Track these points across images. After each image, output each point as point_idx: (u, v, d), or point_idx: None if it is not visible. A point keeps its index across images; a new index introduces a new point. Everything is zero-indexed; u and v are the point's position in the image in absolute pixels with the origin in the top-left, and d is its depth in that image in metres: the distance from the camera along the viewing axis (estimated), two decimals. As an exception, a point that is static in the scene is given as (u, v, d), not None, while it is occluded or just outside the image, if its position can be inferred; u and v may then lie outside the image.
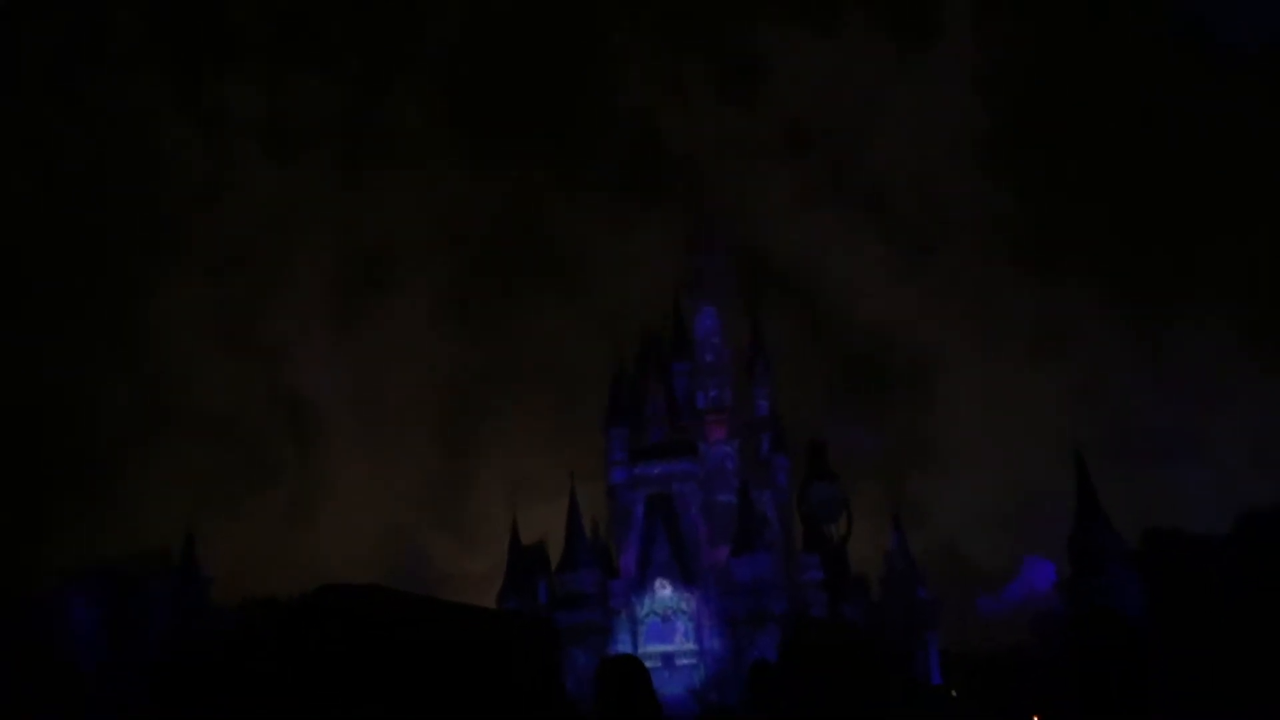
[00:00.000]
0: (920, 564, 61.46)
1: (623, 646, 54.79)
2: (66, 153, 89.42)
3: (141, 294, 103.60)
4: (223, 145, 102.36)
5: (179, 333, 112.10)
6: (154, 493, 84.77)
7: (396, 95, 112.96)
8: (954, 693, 54.16)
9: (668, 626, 58.16)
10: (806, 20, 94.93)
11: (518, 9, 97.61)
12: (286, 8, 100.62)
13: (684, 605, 58.32)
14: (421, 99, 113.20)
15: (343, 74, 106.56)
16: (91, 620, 50.82)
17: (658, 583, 58.77)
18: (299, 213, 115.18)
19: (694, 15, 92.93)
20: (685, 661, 56.67)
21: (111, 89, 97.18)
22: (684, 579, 58.94)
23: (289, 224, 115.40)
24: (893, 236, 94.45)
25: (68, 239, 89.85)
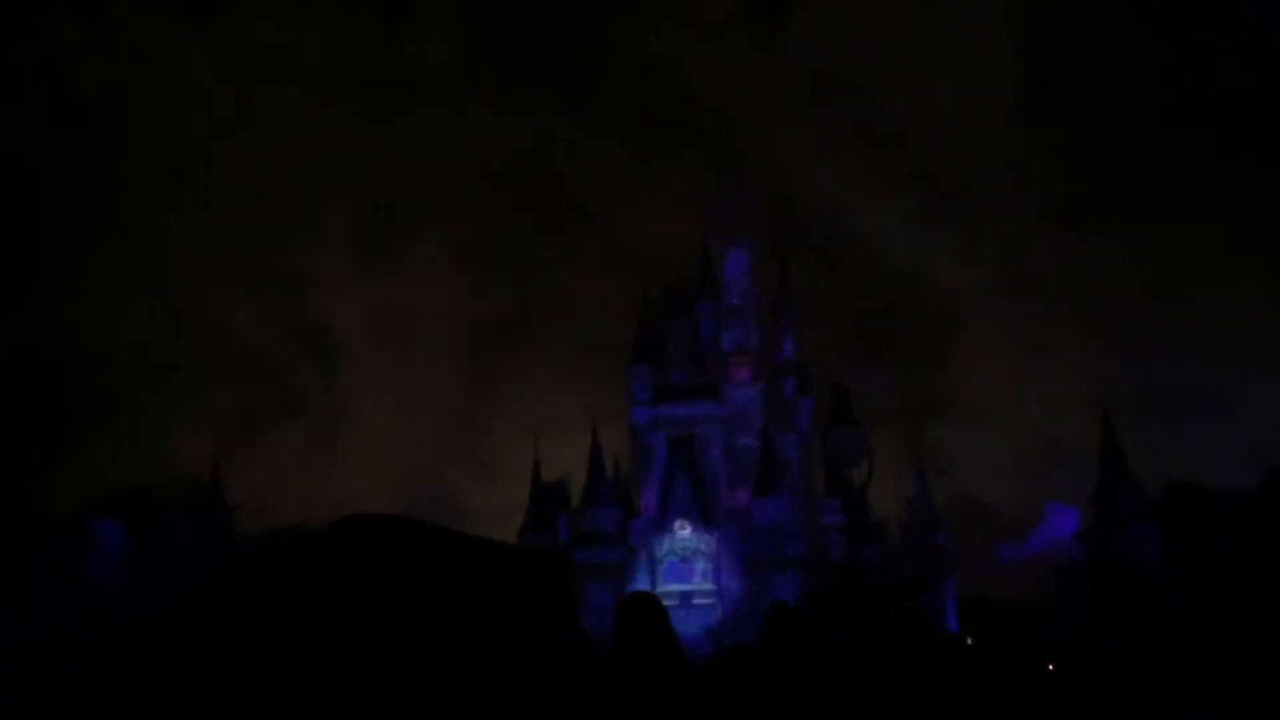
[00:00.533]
0: (941, 512, 61.52)
1: (641, 585, 55.27)
2: (88, 83, 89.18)
3: (165, 225, 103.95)
4: (246, 78, 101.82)
5: (203, 264, 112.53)
6: (179, 423, 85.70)
7: (421, 31, 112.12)
8: (970, 639, 54.42)
9: (686, 566, 58.58)
10: None
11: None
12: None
13: (703, 546, 58.68)
14: (446, 36, 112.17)
15: (367, 8, 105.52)
16: (117, 544, 51.52)
17: (677, 523, 59.11)
18: (322, 146, 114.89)
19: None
20: (703, 601, 57.14)
21: (134, 18, 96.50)
22: (704, 520, 59.25)
23: (312, 157, 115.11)
24: (920, 183, 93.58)
25: (90, 169, 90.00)
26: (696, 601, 56.96)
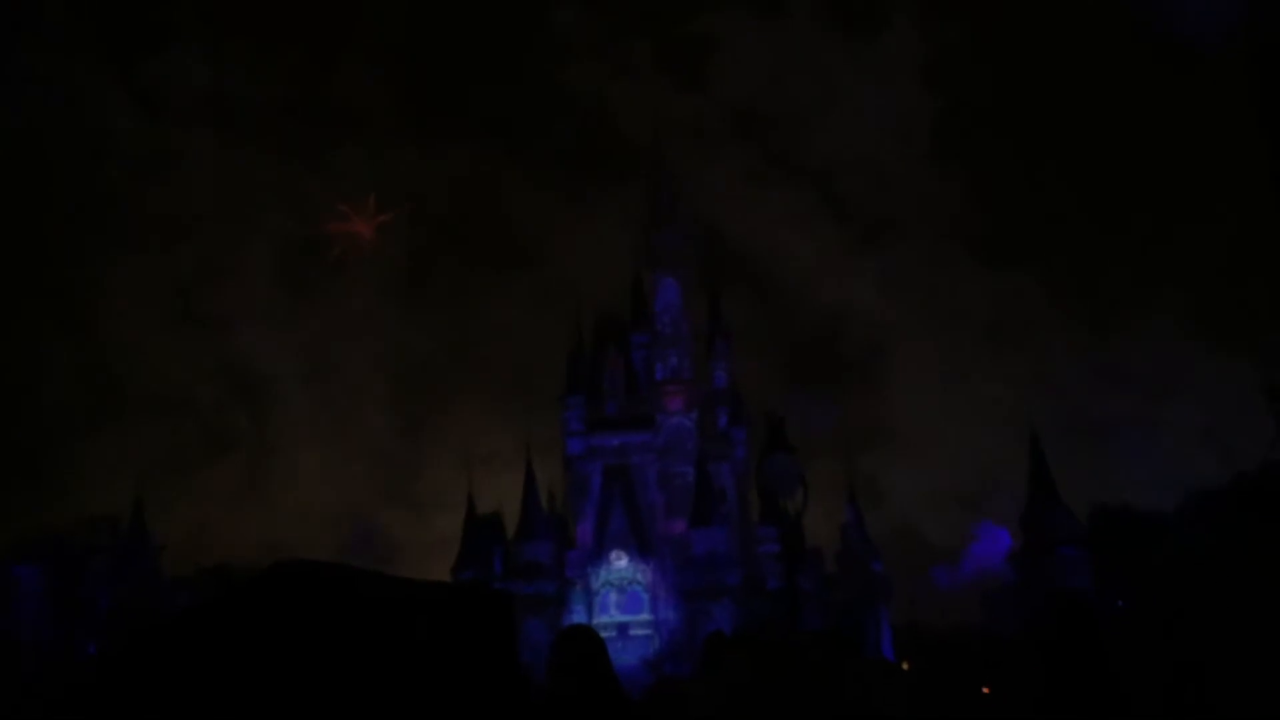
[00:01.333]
0: (875, 539, 61.91)
1: (578, 617, 54.81)
2: (2, 126, 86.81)
3: (89, 267, 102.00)
4: (168, 120, 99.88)
5: (128, 306, 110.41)
6: (104, 466, 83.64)
7: (346, 71, 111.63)
8: (905, 665, 54.71)
9: (623, 597, 58.25)
10: (752, 5, 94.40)
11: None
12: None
13: (640, 576, 58.41)
14: (371, 75, 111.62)
15: (290, 48, 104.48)
16: (37, 589, 50.05)
17: (614, 554, 58.80)
18: (249, 187, 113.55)
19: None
20: (640, 632, 56.81)
21: (48, 66, 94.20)
22: (640, 550, 59.01)
23: (239, 198, 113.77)
24: (844, 219, 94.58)
25: (7, 213, 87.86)
26: (634, 632, 56.61)
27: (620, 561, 58.66)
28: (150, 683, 2.02)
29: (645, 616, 57.65)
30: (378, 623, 2.06)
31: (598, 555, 59.19)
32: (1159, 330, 76.20)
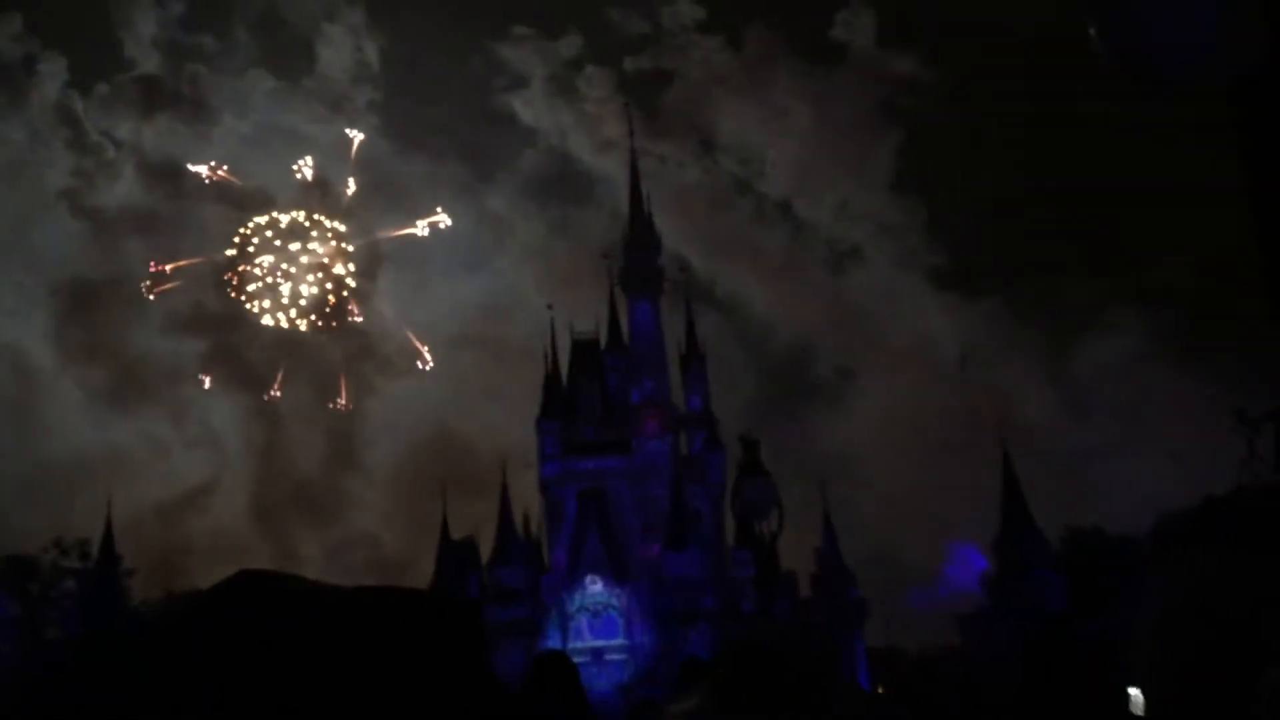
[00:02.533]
0: (851, 564, 61.90)
1: (553, 642, 54.54)
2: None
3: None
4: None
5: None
6: (76, 485, 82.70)
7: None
8: (880, 690, 54.70)
9: (598, 622, 58.04)
10: (710, 38, 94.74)
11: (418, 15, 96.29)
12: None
13: (615, 601, 58.24)
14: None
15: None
16: (3, 614, 49.31)
17: (589, 578, 58.62)
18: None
19: (587, 27, 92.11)
20: (615, 657, 56.59)
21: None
22: (615, 575, 58.84)
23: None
24: (805, 246, 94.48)
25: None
26: (609, 657, 56.37)
27: (595, 586, 58.47)
28: (106, 690, 1.95)
29: (620, 641, 57.43)
30: (345, 630, 2.00)
31: (572, 580, 58.97)
32: (1125, 352, 76.88)
